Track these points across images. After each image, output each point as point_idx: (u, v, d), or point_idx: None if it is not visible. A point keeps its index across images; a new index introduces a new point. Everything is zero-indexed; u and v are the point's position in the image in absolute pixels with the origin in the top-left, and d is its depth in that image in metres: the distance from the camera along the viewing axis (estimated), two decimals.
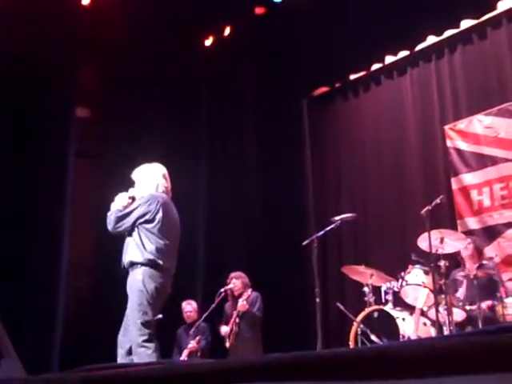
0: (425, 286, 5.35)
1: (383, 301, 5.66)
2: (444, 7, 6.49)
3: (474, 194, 6.56)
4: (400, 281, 5.55)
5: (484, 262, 5.64)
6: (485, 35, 6.72)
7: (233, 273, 6.49)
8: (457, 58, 6.95)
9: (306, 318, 6.22)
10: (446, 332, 4.94)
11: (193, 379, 1.53)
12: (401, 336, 5.17)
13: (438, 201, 5.27)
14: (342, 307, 5.70)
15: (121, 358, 4.21)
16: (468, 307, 5.21)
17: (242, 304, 6.19)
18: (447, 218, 6.53)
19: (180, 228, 4.52)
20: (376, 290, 5.75)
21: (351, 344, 5.36)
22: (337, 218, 5.65)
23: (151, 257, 4.19)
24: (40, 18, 6.55)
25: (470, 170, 6.62)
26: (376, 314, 5.42)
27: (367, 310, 5.49)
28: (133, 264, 4.23)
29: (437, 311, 4.83)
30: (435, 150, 6.98)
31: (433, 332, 5.17)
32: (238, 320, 6.26)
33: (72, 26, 6.97)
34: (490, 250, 6.17)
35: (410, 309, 5.48)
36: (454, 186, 6.70)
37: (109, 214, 4.38)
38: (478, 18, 6.73)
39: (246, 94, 8.27)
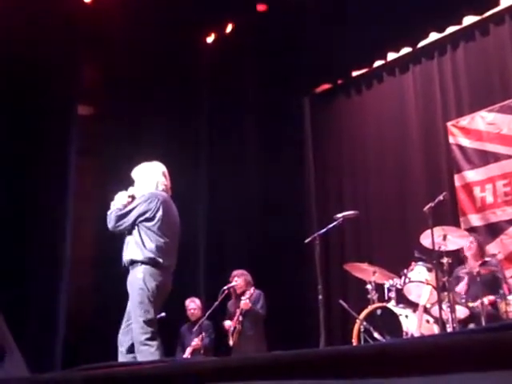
0: (428, 283, 5.35)
1: (386, 298, 5.65)
2: (446, 4, 6.47)
3: (476, 190, 6.55)
4: (403, 278, 5.55)
5: (487, 259, 5.63)
6: (487, 32, 6.70)
7: (235, 271, 6.49)
8: (459, 55, 6.93)
9: (309, 315, 6.22)
10: (449, 329, 4.94)
11: (196, 377, 1.53)
12: (404, 333, 5.17)
13: (440, 198, 5.26)
14: (344, 305, 5.69)
15: (121, 357, 4.21)
16: (471, 304, 5.20)
17: (244, 302, 6.19)
18: (450, 215, 6.52)
19: (180, 226, 4.53)
20: (379, 288, 5.74)
21: (354, 341, 5.36)
22: (339, 215, 5.64)
23: (151, 255, 4.19)
24: (40, 18, 6.55)
25: (473, 166, 6.60)
26: (379, 312, 5.42)
27: (370, 308, 5.49)
28: (133, 262, 4.24)
29: (440, 308, 4.82)
30: (438, 146, 6.97)
31: (436, 329, 5.16)
32: (241, 318, 6.26)
33: (72, 25, 6.97)
34: (492, 247, 6.16)
35: (413, 306, 5.47)
36: (457, 182, 6.69)
37: (109, 212, 4.39)
38: (480, 15, 6.71)
39: (247, 91, 8.26)
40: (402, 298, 5.60)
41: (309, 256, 6.13)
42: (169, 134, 7.49)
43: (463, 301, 5.24)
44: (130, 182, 4.57)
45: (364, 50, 7.31)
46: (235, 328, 6.26)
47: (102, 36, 7.15)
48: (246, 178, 8.03)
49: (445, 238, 5.18)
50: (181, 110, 7.85)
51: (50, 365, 6.05)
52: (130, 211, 4.31)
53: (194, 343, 6.41)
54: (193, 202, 7.55)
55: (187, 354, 6.41)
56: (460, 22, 6.85)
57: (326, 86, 8.33)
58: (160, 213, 4.28)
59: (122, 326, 4.31)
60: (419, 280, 5.43)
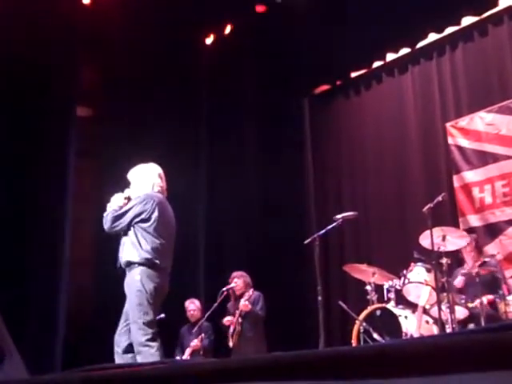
0: (427, 284, 5.35)
1: (385, 299, 5.65)
2: (445, 4, 6.48)
3: (475, 191, 6.56)
4: (402, 279, 5.55)
5: (486, 259, 5.63)
6: (486, 32, 6.71)
7: (234, 272, 6.49)
8: (458, 56, 6.94)
9: (309, 316, 6.21)
10: (448, 330, 4.94)
11: (195, 378, 1.52)
12: (403, 334, 5.17)
13: (439, 198, 5.26)
14: (344, 306, 5.70)
15: (117, 357, 4.22)
16: (470, 305, 5.20)
17: (244, 304, 6.19)
18: (449, 216, 6.52)
19: (175, 227, 4.54)
20: (378, 289, 5.75)
21: (354, 342, 5.36)
22: (338, 216, 5.64)
23: (148, 256, 4.20)
24: (40, 18, 6.55)
25: (472, 167, 6.61)
26: (378, 313, 5.42)
27: (369, 309, 5.49)
28: (130, 264, 4.24)
29: (439, 309, 4.83)
30: (436, 147, 6.98)
31: (435, 330, 5.17)
32: (240, 320, 6.26)
33: (72, 25, 6.97)
34: (491, 248, 6.17)
35: (413, 307, 5.47)
36: (456, 183, 6.69)
37: (105, 214, 4.41)
38: (479, 15, 6.72)
39: (246, 92, 8.26)
40: (401, 299, 5.60)
41: (308, 257, 6.13)
42: (168, 135, 7.49)
43: (462, 301, 5.25)
44: (129, 184, 4.58)
45: (363, 50, 7.32)
46: (235, 329, 6.26)
47: (100, 37, 7.15)
48: (245, 179, 8.03)
49: (444, 238, 5.18)
50: (180, 111, 7.85)
51: (49, 365, 6.05)
52: (126, 212, 4.33)
53: (193, 344, 6.41)
54: (192, 203, 7.55)
55: (186, 355, 6.41)
56: (459, 23, 6.86)
57: (325, 87, 8.33)
58: (156, 214, 4.29)
59: (119, 327, 4.32)
60: (418, 281, 5.43)
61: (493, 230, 6.36)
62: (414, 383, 1.15)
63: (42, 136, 6.81)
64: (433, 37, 7.08)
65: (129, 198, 4.45)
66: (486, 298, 5.13)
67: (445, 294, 5.05)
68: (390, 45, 7.41)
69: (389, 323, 5.28)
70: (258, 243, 7.73)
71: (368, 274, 5.77)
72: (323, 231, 5.57)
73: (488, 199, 6.45)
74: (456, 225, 6.33)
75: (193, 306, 6.86)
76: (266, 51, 7.92)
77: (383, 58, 7.60)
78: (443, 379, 1.12)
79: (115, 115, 7.37)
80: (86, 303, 7.10)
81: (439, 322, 4.90)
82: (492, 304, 5.16)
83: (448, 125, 6.88)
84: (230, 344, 6.27)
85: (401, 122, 7.40)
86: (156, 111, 7.60)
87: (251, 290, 6.36)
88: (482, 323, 4.91)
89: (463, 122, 6.76)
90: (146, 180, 4.48)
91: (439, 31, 6.99)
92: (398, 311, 5.38)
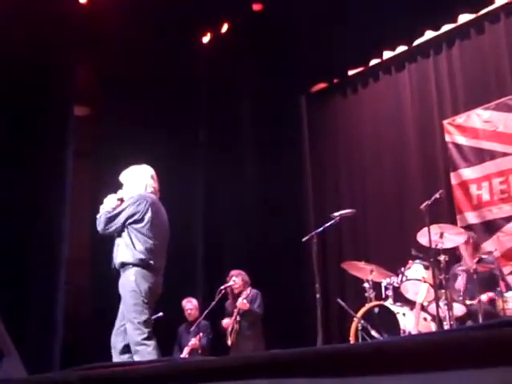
0: (425, 281, 5.35)
1: (383, 296, 5.66)
2: (441, 2, 6.49)
3: (473, 188, 6.57)
4: (400, 276, 5.55)
5: (484, 256, 5.63)
6: (483, 30, 6.71)
7: (233, 270, 6.49)
8: (455, 53, 6.94)
9: (307, 314, 6.22)
10: (446, 327, 4.94)
11: (194, 376, 1.53)
12: (401, 331, 5.17)
13: (437, 196, 5.26)
14: (342, 303, 5.70)
15: (115, 358, 4.23)
16: (468, 302, 5.21)
17: (242, 302, 6.19)
18: (447, 213, 6.53)
19: (169, 228, 4.55)
20: (376, 286, 5.75)
21: (352, 340, 5.36)
22: (336, 214, 5.64)
23: (142, 256, 4.21)
24: (40, 18, 6.54)
25: (469, 164, 6.61)
26: (376, 310, 5.42)
27: (367, 306, 5.49)
28: (124, 265, 4.26)
29: (437, 306, 4.83)
30: (434, 144, 6.98)
31: (433, 327, 5.17)
32: (238, 318, 6.26)
33: (71, 26, 6.97)
34: (489, 245, 6.17)
35: (411, 304, 5.48)
36: (453, 180, 6.70)
37: (98, 215, 4.41)
38: (475, 13, 6.71)
39: (244, 91, 8.26)
40: (399, 296, 5.60)
41: (306, 255, 6.12)
42: (166, 136, 7.48)
43: (460, 298, 5.25)
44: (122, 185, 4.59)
45: (360, 48, 7.31)
46: (233, 328, 6.26)
47: (98, 37, 7.14)
48: (244, 177, 8.03)
49: (441, 235, 5.18)
50: (179, 111, 7.84)
51: (48, 365, 6.05)
52: (119, 213, 4.33)
53: (191, 343, 6.41)
54: (191, 203, 7.55)
55: (185, 354, 6.41)
56: (455, 20, 6.85)
57: (322, 85, 8.32)
58: (149, 215, 4.30)
59: (116, 327, 4.33)
60: (416, 278, 5.43)
61: (490, 227, 6.37)
62: (412, 380, 1.15)
63: (41, 136, 6.81)
64: (429, 34, 7.08)
65: (122, 200, 4.46)
66: (485, 296, 5.13)
67: (443, 291, 5.05)
68: (387, 42, 7.41)
69: (387, 320, 5.29)
70: (257, 242, 7.73)
71: (366, 272, 5.77)
72: (321, 229, 5.57)
73: (485, 196, 6.46)
74: (454, 222, 6.34)
75: (190, 305, 6.87)
76: (263, 50, 7.91)
77: (380, 55, 7.60)
78: (441, 376, 1.12)
79: (114, 115, 7.36)
80: (85, 303, 7.10)
81: (437, 319, 4.90)
82: (490, 301, 5.17)
83: (445, 122, 6.88)
84: (229, 342, 6.27)
85: (398, 119, 7.40)
86: (154, 111, 7.59)
87: (249, 288, 6.36)
88: (480, 320, 4.91)
89: (460, 119, 6.76)
90: (138, 181, 4.49)
91: (436, 29, 6.99)
92: (396, 308, 5.38)
